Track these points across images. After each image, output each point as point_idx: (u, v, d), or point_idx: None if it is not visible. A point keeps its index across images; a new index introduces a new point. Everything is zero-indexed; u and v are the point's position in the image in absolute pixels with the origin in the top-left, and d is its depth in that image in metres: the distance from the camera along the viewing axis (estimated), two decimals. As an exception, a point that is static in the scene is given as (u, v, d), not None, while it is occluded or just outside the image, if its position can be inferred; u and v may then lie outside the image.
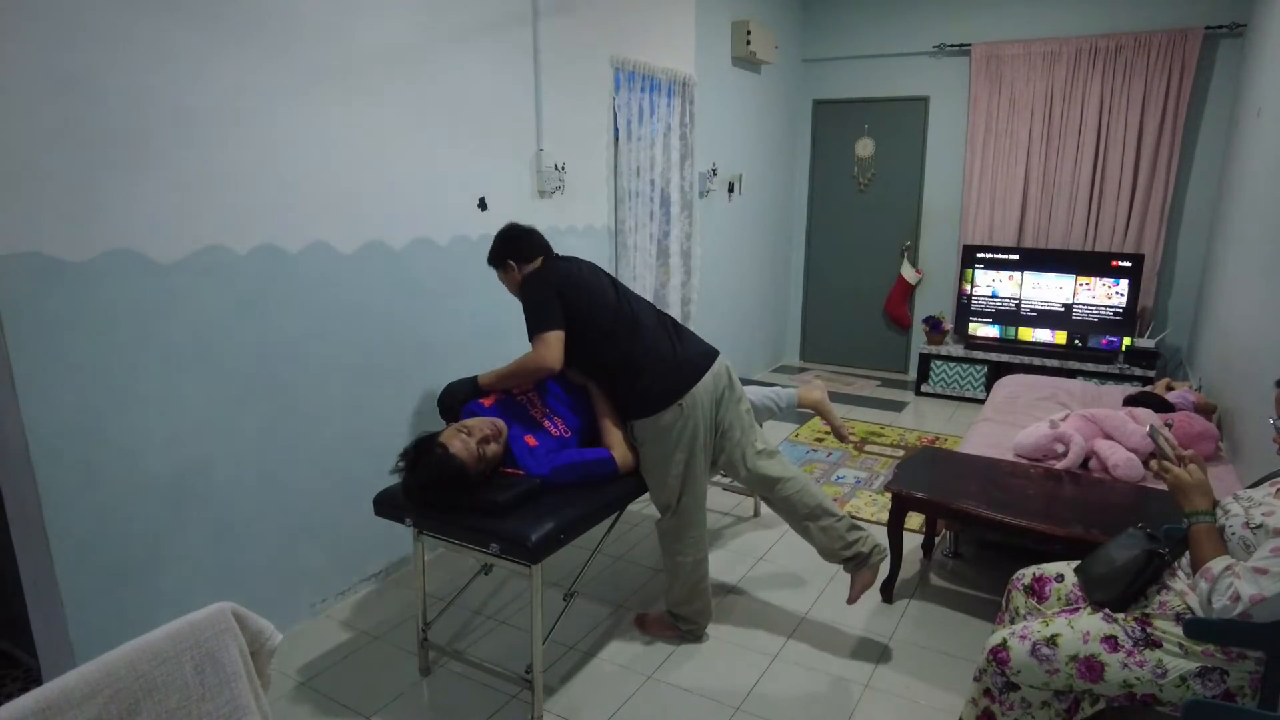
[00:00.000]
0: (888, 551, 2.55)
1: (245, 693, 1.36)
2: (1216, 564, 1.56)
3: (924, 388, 5.61)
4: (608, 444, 2.39)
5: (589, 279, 2.44)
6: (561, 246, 2.68)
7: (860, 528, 2.53)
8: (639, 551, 3.23)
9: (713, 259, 5.10)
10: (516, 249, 2.47)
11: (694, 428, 2.36)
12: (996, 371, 5.22)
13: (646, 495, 2.47)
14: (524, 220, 2.62)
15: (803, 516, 2.51)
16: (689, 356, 2.42)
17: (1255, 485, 1.78)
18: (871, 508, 3.62)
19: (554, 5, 3.44)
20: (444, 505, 2.14)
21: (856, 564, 2.50)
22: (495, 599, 2.85)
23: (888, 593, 2.80)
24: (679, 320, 3.39)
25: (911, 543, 3.08)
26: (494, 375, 2.43)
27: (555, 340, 2.28)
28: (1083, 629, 1.71)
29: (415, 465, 2.13)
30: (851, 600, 2.54)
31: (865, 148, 6.02)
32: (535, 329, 2.31)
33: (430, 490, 2.12)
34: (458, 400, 2.42)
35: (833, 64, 6.01)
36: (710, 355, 2.47)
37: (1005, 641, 1.76)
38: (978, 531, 3.02)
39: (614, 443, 2.39)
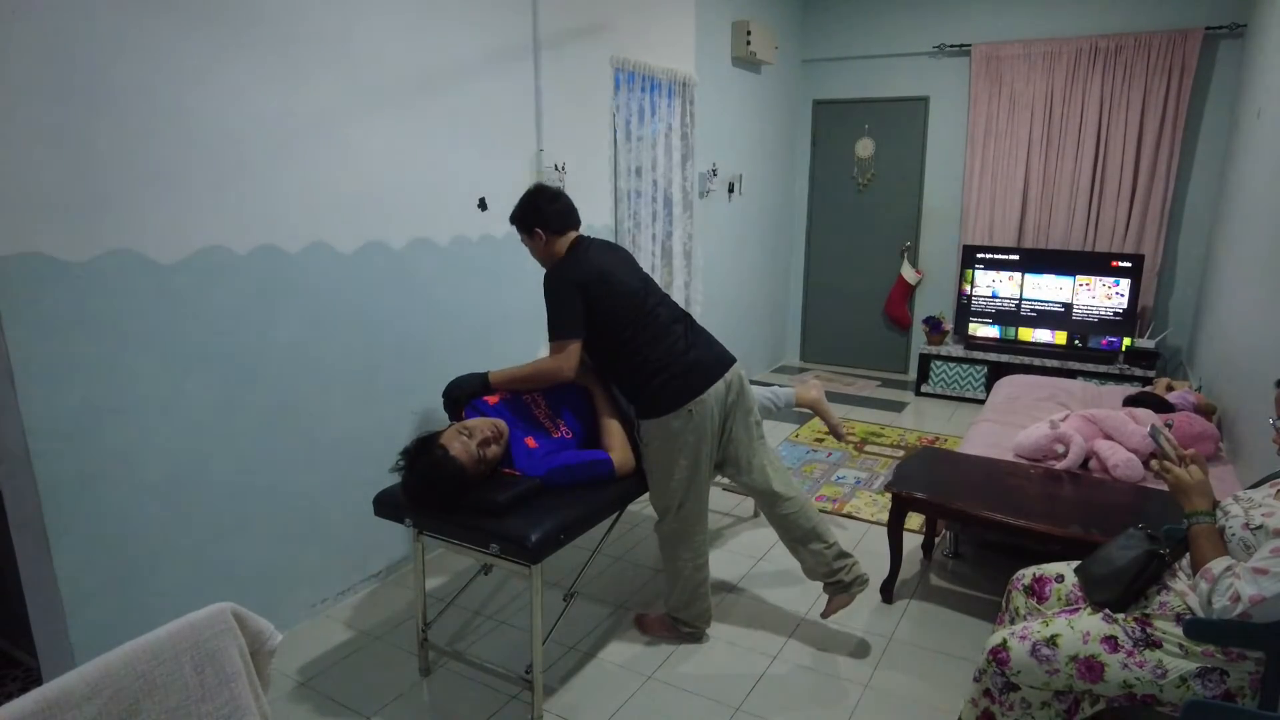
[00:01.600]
0: (868, 583, 2.55)
1: (245, 693, 1.36)
2: (1217, 564, 1.56)
3: (924, 388, 5.61)
4: (607, 445, 2.38)
5: (619, 274, 2.36)
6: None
7: (847, 556, 2.52)
8: (639, 551, 3.23)
9: (713, 259, 5.10)
10: (542, 216, 2.35)
11: (700, 435, 2.33)
12: (996, 372, 5.22)
13: (647, 495, 2.47)
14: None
15: (794, 538, 2.51)
16: (703, 361, 2.37)
17: (1255, 486, 1.78)
18: (871, 508, 3.62)
19: (554, 6, 3.44)
20: (443, 505, 2.14)
21: (836, 589, 2.52)
22: (495, 599, 2.85)
23: (888, 593, 2.80)
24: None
25: (911, 543, 3.08)
26: (506, 376, 2.40)
27: (574, 351, 2.27)
28: (1083, 629, 1.71)
29: (415, 464, 2.13)
30: (825, 615, 2.57)
31: (865, 148, 6.01)
32: (555, 334, 2.28)
33: (428, 490, 2.12)
34: (465, 394, 2.40)
35: (833, 64, 6.01)
36: (725, 362, 2.42)
37: (1005, 642, 1.76)
38: (978, 531, 3.02)
39: (614, 444, 2.37)
